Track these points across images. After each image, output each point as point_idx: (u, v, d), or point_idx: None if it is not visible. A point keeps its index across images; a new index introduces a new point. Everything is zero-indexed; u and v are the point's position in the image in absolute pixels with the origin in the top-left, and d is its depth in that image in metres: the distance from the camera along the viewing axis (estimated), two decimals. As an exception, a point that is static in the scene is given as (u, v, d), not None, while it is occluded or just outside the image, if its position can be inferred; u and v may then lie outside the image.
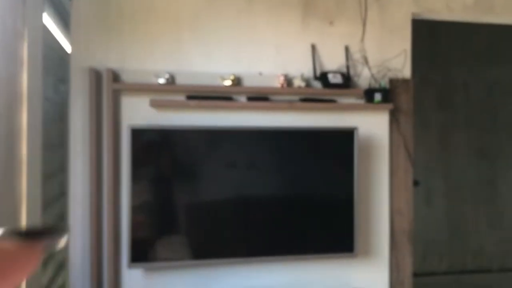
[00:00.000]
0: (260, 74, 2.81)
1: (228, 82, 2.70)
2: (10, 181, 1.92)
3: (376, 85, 2.90)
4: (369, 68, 2.90)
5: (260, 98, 2.75)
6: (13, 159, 1.97)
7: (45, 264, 2.56)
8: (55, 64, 2.87)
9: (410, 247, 2.99)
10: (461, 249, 4.89)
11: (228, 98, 2.72)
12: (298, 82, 2.78)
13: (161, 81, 2.62)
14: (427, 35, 4.57)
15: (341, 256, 2.82)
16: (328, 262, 2.87)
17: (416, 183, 3.04)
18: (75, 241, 2.60)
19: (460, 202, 4.90)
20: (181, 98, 2.67)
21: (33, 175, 2.18)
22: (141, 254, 2.53)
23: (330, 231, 2.78)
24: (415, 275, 3.11)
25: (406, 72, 2.99)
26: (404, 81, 2.98)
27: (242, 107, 2.75)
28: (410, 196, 2.99)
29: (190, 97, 2.67)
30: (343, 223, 2.76)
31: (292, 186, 2.77)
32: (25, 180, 2.08)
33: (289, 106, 2.77)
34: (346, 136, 2.74)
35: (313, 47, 2.87)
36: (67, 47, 3.07)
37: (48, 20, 2.64)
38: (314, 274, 2.86)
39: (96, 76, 2.56)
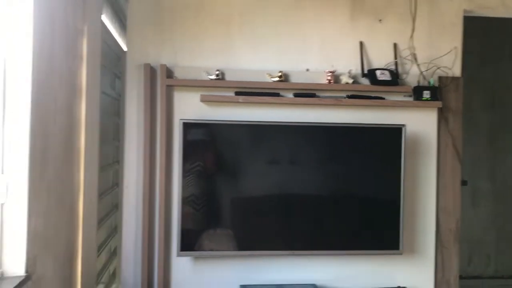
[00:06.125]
0: (307, 70, 2.84)
1: (275, 79, 2.75)
2: (69, 170, 2.04)
3: (425, 83, 2.88)
4: (418, 66, 2.88)
5: (307, 94, 2.78)
6: (72, 150, 2.09)
7: (98, 251, 2.69)
8: (111, 61, 3.01)
9: (456, 247, 2.95)
10: (509, 252, 4.75)
11: (275, 94, 2.77)
12: (345, 79, 2.80)
13: (211, 77, 2.71)
14: (478, 31, 4.46)
15: (386, 254, 2.83)
16: (373, 259, 2.87)
17: (464, 182, 2.99)
18: (128, 229, 2.72)
19: (508, 204, 4.75)
20: (230, 94, 2.74)
21: (90, 166, 2.31)
22: (190, 243, 2.63)
23: (375, 228, 2.80)
24: (460, 277, 3.05)
25: (456, 70, 2.95)
26: (454, 79, 2.94)
27: (289, 103, 2.79)
28: (457, 195, 2.95)
29: (238, 93, 2.74)
30: (389, 220, 2.76)
31: (338, 183, 2.81)
32: (83, 170, 2.20)
33: (336, 102, 2.79)
34: (393, 134, 2.74)
35: (361, 44, 2.88)
36: (123, 45, 3.21)
37: (105, 19, 2.78)
38: (358, 271, 2.87)
39: (150, 72, 2.68)
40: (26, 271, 1.50)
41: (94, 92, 2.40)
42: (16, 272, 1.49)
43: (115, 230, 3.23)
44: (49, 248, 1.76)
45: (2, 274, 1.47)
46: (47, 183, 1.70)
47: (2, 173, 1.48)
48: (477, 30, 4.30)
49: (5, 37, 1.48)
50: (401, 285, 2.84)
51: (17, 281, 1.44)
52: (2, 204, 1.48)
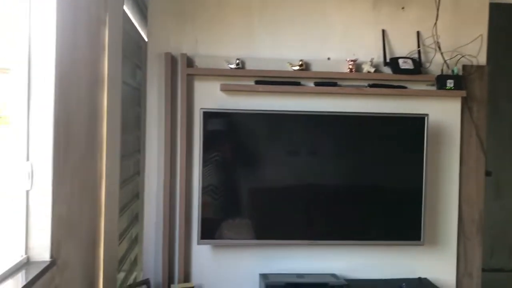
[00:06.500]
0: (329, 59, 2.81)
1: (296, 68, 2.73)
2: (91, 159, 2.07)
3: (449, 72, 2.82)
4: (442, 54, 2.82)
5: (328, 83, 2.76)
6: (94, 139, 2.11)
7: (120, 239, 2.73)
8: (132, 51, 3.02)
9: (479, 238, 2.90)
10: (533, 246, 4.65)
11: (296, 84, 2.75)
12: (367, 68, 2.76)
13: (232, 66, 2.70)
14: (504, 19, 4.33)
15: (407, 244, 2.80)
16: (394, 250, 2.85)
17: (488, 173, 2.93)
18: (149, 218, 2.76)
19: (534, 197, 4.64)
20: (250, 83, 2.74)
21: (112, 155, 2.34)
22: (210, 232, 2.65)
23: (396, 218, 2.77)
24: (482, 270, 3.00)
25: (481, 58, 2.88)
26: (479, 67, 2.88)
27: (309, 93, 2.77)
28: (481, 186, 2.90)
29: (258, 82, 2.73)
30: (411, 210, 2.73)
31: (359, 172, 2.78)
32: (105, 158, 2.23)
33: (358, 91, 2.76)
34: (416, 123, 2.70)
35: (384, 32, 2.83)
36: (144, 35, 3.22)
37: (127, 9, 2.79)
38: (379, 261, 2.85)
39: (171, 62, 2.68)
40: (51, 256, 1.53)
41: (116, 81, 2.42)
42: (42, 257, 1.52)
43: (136, 218, 3.28)
44: (72, 234, 1.79)
45: (28, 259, 1.51)
46: (70, 171, 1.73)
47: (27, 160, 1.51)
48: (503, 17, 4.18)
49: (29, 27, 1.50)
50: (422, 277, 2.81)
51: (42, 266, 1.47)
52: (28, 191, 1.51)
